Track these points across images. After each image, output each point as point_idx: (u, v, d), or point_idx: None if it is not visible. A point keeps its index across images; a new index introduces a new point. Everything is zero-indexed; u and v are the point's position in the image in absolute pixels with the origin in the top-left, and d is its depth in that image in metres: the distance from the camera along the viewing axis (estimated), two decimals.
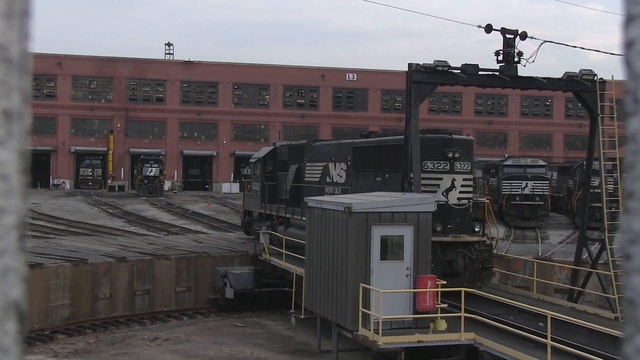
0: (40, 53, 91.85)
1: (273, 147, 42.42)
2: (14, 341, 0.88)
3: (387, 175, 28.25)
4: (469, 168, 27.09)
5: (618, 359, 15.67)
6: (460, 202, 26.24)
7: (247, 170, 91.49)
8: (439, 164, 26.10)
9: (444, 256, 24.97)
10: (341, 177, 32.50)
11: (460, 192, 26.30)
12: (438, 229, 24.52)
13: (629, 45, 0.97)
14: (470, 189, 27.67)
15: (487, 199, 33.29)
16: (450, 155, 25.91)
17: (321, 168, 34.88)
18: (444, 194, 25.83)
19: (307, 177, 36.33)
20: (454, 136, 27.31)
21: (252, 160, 44.38)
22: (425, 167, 25.86)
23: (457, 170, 26.20)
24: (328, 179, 33.80)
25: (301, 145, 39.73)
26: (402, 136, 27.52)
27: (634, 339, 0.96)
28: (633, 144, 0.97)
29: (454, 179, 26.08)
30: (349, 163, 31.71)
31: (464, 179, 26.55)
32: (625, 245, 0.98)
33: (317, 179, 35.04)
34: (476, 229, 26.42)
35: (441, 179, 26.08)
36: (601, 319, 23.04)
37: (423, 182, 25.32)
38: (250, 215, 42.94)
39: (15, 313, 0.88)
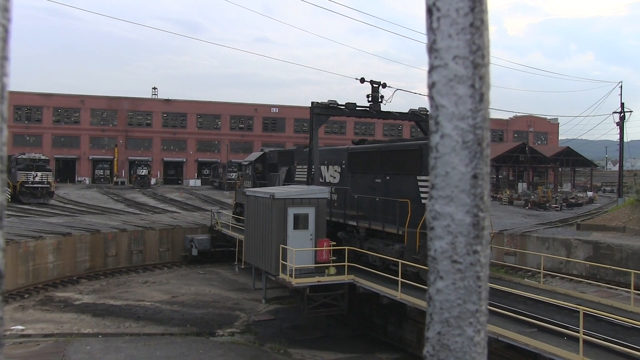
0: (70, 94, 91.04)
1: (262, 152, 34.69)
2: None
3: (387, 177, 22.45)
4: None
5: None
6: None
7: (206, 171, 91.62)
8: None
9: None
10: (334, 177, 26.48)
11: None
12: None
13: (431, 86, 0.95)
14: None
15: None
16: None
17: None
18: None
19: (297, 177, 29.57)
20: None
21: (244, 163, 36.46)
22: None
23: None
24: (320, 180, 26.90)
25: (291, 151, 32.33)
26: (403, 143, 22.95)
27: (435, 284, 0.94)
28: (434, 152, 0.95)
29: None
30: (343, 166, 25.83)
31: None
32: (429, 220, 0.96)
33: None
34: None
35: None
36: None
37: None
38: (241, 207, 33.25)
39: None
